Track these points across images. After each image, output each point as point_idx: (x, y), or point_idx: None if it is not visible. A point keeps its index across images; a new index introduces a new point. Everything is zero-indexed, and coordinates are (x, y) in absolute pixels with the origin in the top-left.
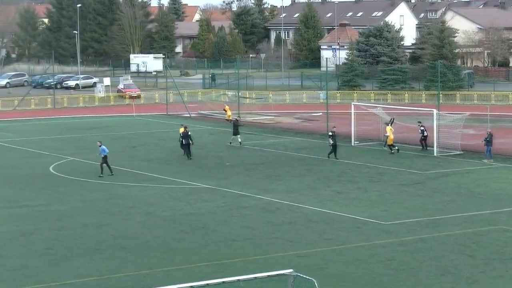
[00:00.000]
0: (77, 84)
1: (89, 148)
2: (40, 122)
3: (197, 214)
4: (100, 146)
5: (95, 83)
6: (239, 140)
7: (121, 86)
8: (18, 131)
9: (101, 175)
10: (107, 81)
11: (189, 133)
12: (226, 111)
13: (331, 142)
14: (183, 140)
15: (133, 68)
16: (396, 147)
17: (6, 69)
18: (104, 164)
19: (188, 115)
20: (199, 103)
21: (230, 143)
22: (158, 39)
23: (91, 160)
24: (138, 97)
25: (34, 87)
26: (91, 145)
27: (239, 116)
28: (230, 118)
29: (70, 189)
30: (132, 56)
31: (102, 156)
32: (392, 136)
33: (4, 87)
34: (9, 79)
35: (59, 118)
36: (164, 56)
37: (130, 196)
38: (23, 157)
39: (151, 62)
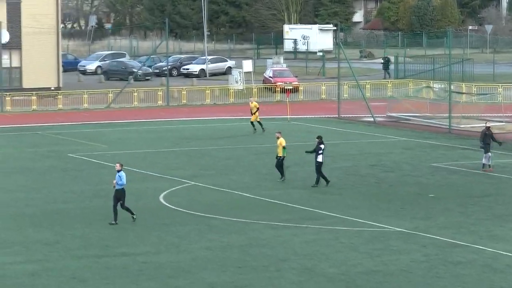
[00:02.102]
0: (202, 70)
1: (219, 167)
2: (146, 127)
3: (382, 272)
4: (118, 171)
5: (229, 68)
6: (490, 162)
7: (269, 73)
8: (114, 140)
9: (133, 216)
10: (247, 65)
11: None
12: (256, 109)
13: None
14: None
15: (287, 46)
16: None
17: (97, 45)
18: (120, 203)
19: (372, 119)
20: (388, 100)
21: (485, 165)
22: (327, 2)
23: (220, 185)
24: (295, 90)
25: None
26: (222, 162)
27: (488, 122)
28: (258, 120)
29: (189, 229)
30: (286, 27)
31: (117, 188)
32: None
33: (94, 73)
34: (101, 61)
35: (175, 121)
36: (335, 28)
37: (281, 243)
38: None
39: (316, 37)
